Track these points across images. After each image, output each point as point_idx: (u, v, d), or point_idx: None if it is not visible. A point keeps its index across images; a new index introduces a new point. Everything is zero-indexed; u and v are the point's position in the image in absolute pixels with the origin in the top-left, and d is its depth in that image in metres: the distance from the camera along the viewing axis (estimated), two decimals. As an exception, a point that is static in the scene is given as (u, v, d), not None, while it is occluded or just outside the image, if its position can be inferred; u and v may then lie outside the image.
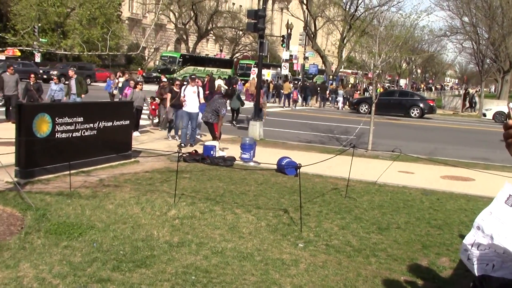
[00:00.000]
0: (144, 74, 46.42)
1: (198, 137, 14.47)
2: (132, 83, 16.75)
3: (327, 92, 37.06)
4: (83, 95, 16.78)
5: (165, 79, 19.92)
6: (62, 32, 47.67)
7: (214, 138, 12.76)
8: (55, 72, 29.22)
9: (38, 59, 45.31)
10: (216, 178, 9.64)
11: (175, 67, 51.72)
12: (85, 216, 6.62)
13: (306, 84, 39.81)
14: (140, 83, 16.31)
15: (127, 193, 7.98)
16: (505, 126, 2.05)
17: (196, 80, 14.92)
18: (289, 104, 33.32)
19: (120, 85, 19.00)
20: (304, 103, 35.56)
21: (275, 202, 8.11)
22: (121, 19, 57.66)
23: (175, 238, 6.03)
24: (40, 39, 43.90)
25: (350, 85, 49.85)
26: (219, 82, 34.11)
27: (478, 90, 53.81)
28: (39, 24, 44.42)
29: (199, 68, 53.47)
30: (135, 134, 14.95)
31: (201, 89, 13.94)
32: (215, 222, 6.79)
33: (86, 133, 9.57)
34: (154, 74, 49.02)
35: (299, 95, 34.75)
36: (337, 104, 37.10)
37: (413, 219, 7.60)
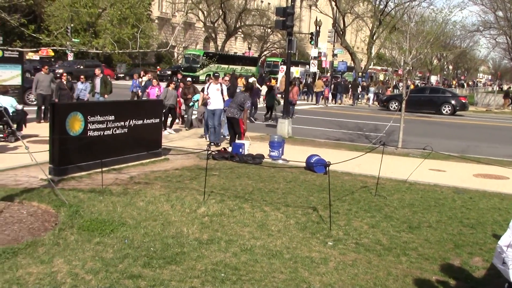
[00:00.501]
0: (159, 72, 46.99)
1: (225, 135, 14.51)
2: (155, 82, 16.84)
3: (359, 89, 36.76)
4: (106, 95, 16.87)
5: (181, 77, 19.84)
6: (93, 32, 48.52)
7: (239, 134, 12.71)
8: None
9: (71, 58, 46.22)
10: (245, 176, 9.66)
11: (198, 65, 51.22)
12: (116, 213, 6.73)
13: (338, 81, 39.63)
14: (173, 82, 16.51)
15: (157, 190, 8.07)
16: None
17: (225, 78, 15.01)
18: (318, 101, 33.23)
19: (143, 84, 19.19)
20: (334, 101, 35.37)
21: (304, 200, 8.08)
22: (151, 18, 58.35)
23: (205, 235, 6.08)
24: (73, 39, 44.77)
25: (381, 81, 49.17)
26: (252, 80, 34.31)
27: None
28: (72, 25, 45.32)
29: (222, 66, 52.99)
30: (168, 131, 15.12)
31: (224, 87, 13.92)
32: (244, 219, 6.81)
33: (117, 131, 9.71)
34: (168, 72, 47.97)
35: (330, 93, 34.75)
36: (368, 101, 36.87)
37: (444, 218, 7.47)
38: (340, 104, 34.95)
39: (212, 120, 13.44)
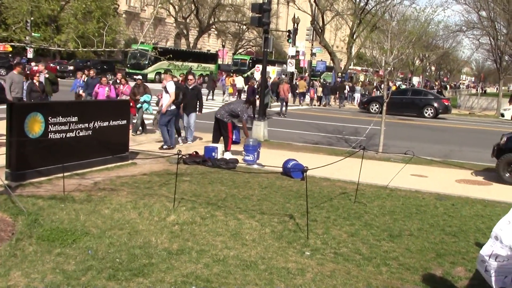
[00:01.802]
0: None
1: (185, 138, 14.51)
2: (104, 80, 15.71)
3: (346, 91, 37.25)
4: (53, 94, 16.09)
5: (121, 76, 17.48)
6: (55, 27, 47.87)
7: (226, 140, 12.51)
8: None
9: (30, 55, 45.47)
10: (218, 182, 9.65)
11: (147, 62, 47.46)
12: (79, 222, 6.64)
13: (324, 82, 40.22)
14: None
15: (124, 197, 7.99)
16: None
17: (189, 77, 14.90)
18: (301, 102, 33.83)
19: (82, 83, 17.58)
20: (319, 102, 35.84)
21: (280, 207, 8.10)
22: (118, 12, 57.83)
23: (175, 245, 6.04)
24: (33, 34, 44.07)
25: (368, 82, 49.87)
26: (239, 80, 34.46)
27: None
28: (32, 18, 44.59)
29: (176, 63, 50.61)
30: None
31: (170, 83, 13.51)
32: (217, 228, 6.79)
33: (81, 134, 9.59)
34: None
35: (316, 94, 35.30)
36: (353, 101, 37.52)
37: (426, 225, 7.58)
38: (325, 106, 35.30)
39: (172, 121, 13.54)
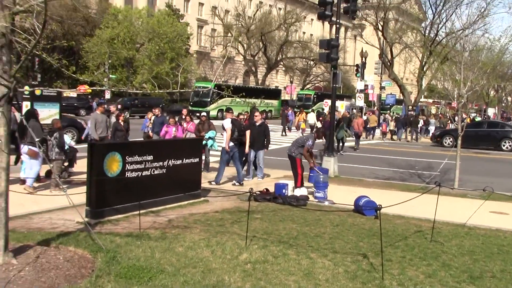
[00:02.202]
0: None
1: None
2: (172, 120, 15.74)
3: (420, 124, 36.67)
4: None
5: (186, 114, 17.36)
6: (131, 68, 50.11)
7: (295, 176, 12.50)
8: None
9: (108, 95, 47.79)
10: (289, 219, 9.61)
11: (209, 99, 47.64)
12: (154, 259, 6.78)
13: (398, 116, 39.92)
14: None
15: (196, 234, 8.11)
16: None
17: (255, 114, 15.06)
18: (373, 136, 33.92)
19: (151, 121, 17.70)
20: (391, 137, 35.63)
21: (353, 245, 7.94)
22: (190, 52, 59.85)
23: (247, 285, 6.03)
24: (110, 76, 46.40)
25: (441, 114, 48.76)
26: (311, 116, 34.85)
27: None
28: (110, 61, 47.04)
29: (237, 99, 46.51)
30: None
31: (226, 120, 13.81)
32: (289, 267, 6.74)
33: (156, 172, 9.88)
34: (176, 108, 43.72)
35: (388, 129, 35.19)
36: (428, 134, 36.97)
37: (510, 266, 7.18)
38: (399, 140, 35.19)
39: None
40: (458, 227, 9.50)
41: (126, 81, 46.65)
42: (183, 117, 16.67)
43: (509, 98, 75.82)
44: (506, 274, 6.84)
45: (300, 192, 12.17)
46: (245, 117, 16.58)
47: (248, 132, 13.94)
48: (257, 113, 15.20)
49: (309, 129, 32.98)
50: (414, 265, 7.07)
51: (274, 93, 60.02)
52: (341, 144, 23.80)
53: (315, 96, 60.33)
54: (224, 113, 15.13)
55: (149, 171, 9.74)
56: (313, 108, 51.29)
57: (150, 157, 9.76)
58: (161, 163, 10.00)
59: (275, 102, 57.57)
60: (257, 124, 14.54)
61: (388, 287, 6.17)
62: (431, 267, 6.99)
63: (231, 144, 13.44)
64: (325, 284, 6.19)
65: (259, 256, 7.09)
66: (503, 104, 73.00)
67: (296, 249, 7.51)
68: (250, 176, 14.51)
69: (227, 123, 13.62)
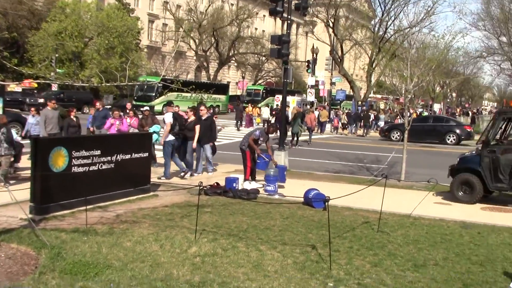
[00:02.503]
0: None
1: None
2: (116, 113, 14.77)
3: (370, 119, 37.61)
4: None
5: (130, 108, 17.03)
6: (79, 63, 48.92)
7: (245, 169, 12.80)
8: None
9: (55, 89, 46.38)
10: (239, 212, 9.62)
11: (153, 94, 46.25)
12: (101, 255, 6.65)
13: (349, 111, 40.96)
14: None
15: (145, 229, 8.01)
16: None
17: (200, 109, 14.73)
18: (323, 131, 34.91)
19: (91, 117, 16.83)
20: (344, 130, 37.33)
21: (302, 237, 8.03)
22: (140, 47, 58.88)
23: (196, 278, 6.00)
24: (57, 70, 45.12)
25: (390, 110, 50.19)
26: (265, 111, 35.16)
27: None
28: (56, 55, 45.73)
29: (184, 94, 44.50)
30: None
31: (167, 114, 13.62)
32: (239, 259, 6.74)
33: (104, 167, 9.69)
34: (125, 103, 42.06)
35: (340, 122, 36.12)
36: (378, 129, 38.02)
37: (452, 255, 7.42)
38: (354, 134, 36.44)
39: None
40: (404, 218, 9.75)
41: (74, 75, 45.45)
42: (127, 111, 16.14)
43: (453, 94, 78.45)
44: (448, 262, 7.07)
45: (251, 186, 12.22)
46: (188, 111, 15.92)
47: (197, 127, 13.79)
48: (202, 107, 14.91)
49: (262, 124, 33.23)
50: (361, 255, 7.21)
51: (222, 88, 57.94)
52: (295, 138, 24.39)
53: (264, 91, 60.38)
54: (165, 107, 14.78)
55: (97, 166, 9.53)
56: (262, 103, 51.28)
57: (98, 152, 9.56)
58: (109, 158, 9.81)
59: (223, 97, 56.07)
60: (203, 118, 14.35)
61: (336, 276, 6.27)
62: (377, 257, 7.14)
63: (172, 138, 13.26)
64: (274, 275, 6.23)
65: (209, 249, 7.07)
66: (448, 100, 75.51)
67: (245, 242, 7.52)
68: (199, 171, 14.37)
69: (168, 117, 13.45)
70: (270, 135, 13.77)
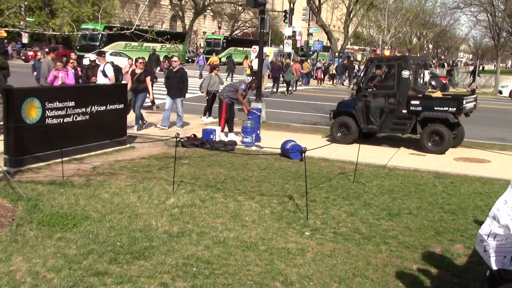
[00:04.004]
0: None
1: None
2: (60, 64, 12.74)
3: (355, 70, 37.56)
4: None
5: (75, 58, 15.62)
6: (50, 11, 47.43)
7: (219, 120, 12.96)
8: None
9: (25, 40, 45.18)
10: (217, 164, 9.66)
11: (97, 43, 42.70)
12: (79, 206, 6.66)
13: (330, 62, 41.18)
14: (217, 68, 15.77)
15: (123, 181, 8.01)
16: None
17: (139, 62, 13.72)
18: (308, 83, 35.47)
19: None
20: (332, 82, 37.77)
21: (280, 188, 8.13)
22: (113, -5, 57.17)
23: (175, 228, 6.06)
24: (27, 19, 43.72)
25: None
26: (256, 61, 34.75)
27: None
28: (26, 3, 44.18)
29: (133, 43, 43.54)
30: (206, 119, 15.08)
31: (108, 66, 12.91)
32: (217, 210, 6.82)
33: (78, 118, 9.57)
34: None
35: (328, 74, 36.52)
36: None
37: (425, 204, 7.61)
38: (342, 85, 36.73)
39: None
40: (379, 168, 9.92)
41: (45, 24, 44.21)
42: (71, 61, 14.75)
43: (430, 46, 78.63)
44: (422, 211, 7.26)
45: (229, 138, 12.25)
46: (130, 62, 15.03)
47: (148, 79, 13.22)
48: (175, 58, 14.37)
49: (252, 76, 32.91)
50: (337, 204, 7.35)
51: (178, 37, 52.39)
52: (289, 86, 27.21)
53: (224, 40, 59.08)
54: (96, 58, 13.71)
55: (71, 117, 9.40)
56: (223, 53, 50.03)
57: (72, 103, 9.41)
58: (83, 109, 9.67)
59: (180, 47, 51.10)
60: (174, 70, 13.86)
61: (312, 226, 6.40)
62: (353, 206, 7.29)
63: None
64: (251, 225, 6.33)
65: (187, 200, 7.12)
66: (425, 52, 75.69)
67: (223, 193, 7.59)
68: (166, 125, 13.78)
69: (109, 70, 12.74)
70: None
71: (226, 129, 12.84)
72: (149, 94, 13.39)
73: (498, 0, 38.33)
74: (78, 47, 43.14)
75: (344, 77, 37.87)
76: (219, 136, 12.08)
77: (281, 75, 28.12)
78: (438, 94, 12.99)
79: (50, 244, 5.39)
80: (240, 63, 43.96)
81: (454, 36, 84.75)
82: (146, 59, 17.53)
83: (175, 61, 14.19)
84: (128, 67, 15.24)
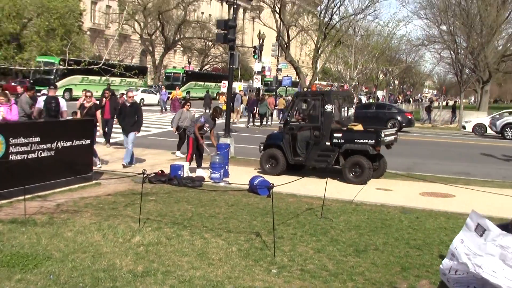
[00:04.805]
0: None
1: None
2: (2, 99, 11.59)
3: None
4: None
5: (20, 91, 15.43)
6: (18, 45, 47.00)
7: (186, 154, 12.96)
8: None
9: (-8, 73, 44.49)
10: (184, 200, 9.58)
11: (52, 77, 41.81)
12: (41, 246, 6.49)
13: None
14: (188, 104, 15.92)
15: (87, 218, 7.86)
16: None
17: (128, 94, 14.06)
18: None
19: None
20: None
21: (247, 225, 8.09)
22: (82, 30, 57.17)
23: (140, 267, 5.95)
24: (-6, 52, 43.18)
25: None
26: (238, 96, 34.99)
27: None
28: (-7, 37, 43.77)
29: (91, 77, 44.08)
30: (182, 155, 14.91)
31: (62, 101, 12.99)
32: (183, 248, 6.73)
33: (43, 154, 9.41)
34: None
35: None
36: None
37: (391, 239, 7.67)
38: None
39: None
40: (347, 204, 9.98)
41: (11, 58, 43.71)
42: (19, 95, 14.21)
43: (396, 82, 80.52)
44: (388, 246, 7.30)
45: (197, 173, 12.21)
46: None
47: (98, 112, 13.26)
48: (130, 93, 14.14)
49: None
50: (305, 241, 7.34)
51: (139, 71, 53.37)
52: (265, 118, 29.31)
53: (184, 74, 58.91)
54: (47, 90, 13.52)
55: (36, 153, 9.24)
56: (182, 88, 49.81)
57: (37, 139, 9.26)
58: (49, 145, 9.53)
59: (140, 82, 49.39)
60: (128, 104, 13.57)
61: (280, 263, 6.36)
62: (320, 243, 7.29)
63: None
64: (218, 263, 6.25)
65: (153, 238, 7.02)
66: (391, 87, 77.43)
67: (190, 230, 7.51)
68: (133, 162, 13.51)
69: (40, 102, 12.77)
70: (217, 121, 13.58)
71: (194, 164, 12.78)
72: (99, 128, 13.39)
73: (461, 38, 39.74)
74: (31, 81, 40.81)
75: None
76: (187, 172, 12.02)
77: (255, 107, 29.67)
78: (359, 127, 13.36)
79: (9, 286, 5.22)
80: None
81: (419, 72, 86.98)
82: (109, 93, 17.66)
83: (130, 96, 13.88)
84: (82, 99, 14.96)
